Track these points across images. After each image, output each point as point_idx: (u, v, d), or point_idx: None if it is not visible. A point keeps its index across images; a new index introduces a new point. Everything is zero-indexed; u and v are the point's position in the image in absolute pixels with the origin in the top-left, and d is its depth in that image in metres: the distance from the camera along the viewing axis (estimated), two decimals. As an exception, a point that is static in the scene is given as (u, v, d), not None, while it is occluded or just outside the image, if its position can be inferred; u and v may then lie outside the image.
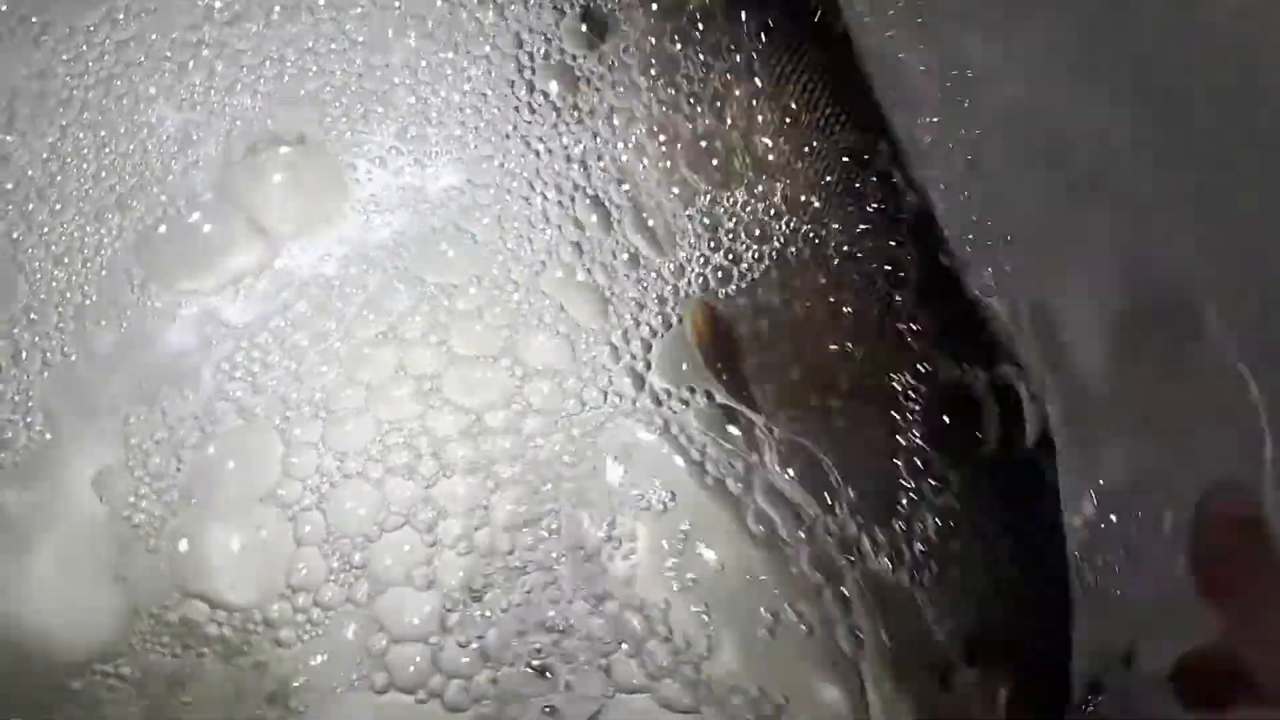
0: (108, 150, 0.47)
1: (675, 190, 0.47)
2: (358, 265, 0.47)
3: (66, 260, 0.45)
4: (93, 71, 0.47)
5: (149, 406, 0.44)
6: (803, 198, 0.46)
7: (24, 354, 0.44)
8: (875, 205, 0.45)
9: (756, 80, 0.46)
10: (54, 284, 0.45)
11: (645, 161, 0.47)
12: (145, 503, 0.42)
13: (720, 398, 0.45)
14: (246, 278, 0.46)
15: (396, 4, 0.48)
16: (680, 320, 0.46)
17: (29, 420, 0.43)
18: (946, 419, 0.43)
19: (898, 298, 0.45)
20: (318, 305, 0.46)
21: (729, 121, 0.46)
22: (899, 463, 0.43)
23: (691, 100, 0.47)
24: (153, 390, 0.44)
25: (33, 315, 0.44)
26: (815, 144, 0.46)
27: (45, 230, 0.46)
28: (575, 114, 0.48)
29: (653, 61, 0.47)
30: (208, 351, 0.45)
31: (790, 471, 0.44)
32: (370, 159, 0.48)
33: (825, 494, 0.44)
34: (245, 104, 0.48)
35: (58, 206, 0.46)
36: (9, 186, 0.46)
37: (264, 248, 0.46)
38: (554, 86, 0.48)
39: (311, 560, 0.43)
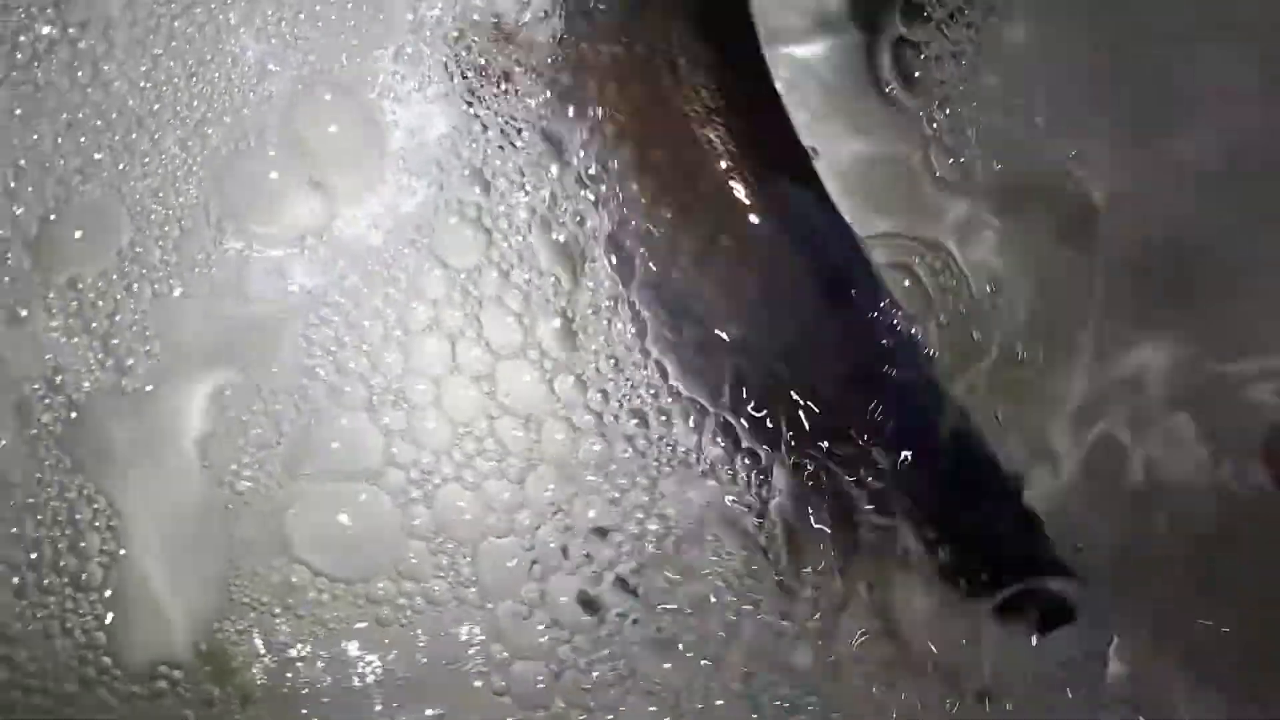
0: (195, 79, 0.49)
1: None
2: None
3: (161, 194, 0.48)
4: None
5: (241, 373, 0.47)
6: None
7: (134, 286, 0.47)
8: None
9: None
10: (152, 217, 0.48)
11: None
12: (249, 471, 0.46)
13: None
14: (309, 236, 0.48)
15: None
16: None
17: (148, 349, 0.47)
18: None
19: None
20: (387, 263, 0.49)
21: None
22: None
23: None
24: (240, 351, 0.47)
25: (138, 249, 0.47)
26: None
27: (146, 160, 0.49)
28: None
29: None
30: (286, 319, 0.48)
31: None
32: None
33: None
34: (316, 39, 0.49)
35: (157, 135, 0.49)
36: (113, 116, 0.48)
37: (322, 201, 0.49)
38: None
39: (418, 549, 0.46)
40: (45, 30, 0.48)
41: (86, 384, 0.46)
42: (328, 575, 0.46)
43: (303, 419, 0.47)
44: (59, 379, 0.45)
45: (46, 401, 0.45)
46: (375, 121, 0.50)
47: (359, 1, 0.50)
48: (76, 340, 0.46)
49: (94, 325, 0.46)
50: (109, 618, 0.44)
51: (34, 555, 0.43)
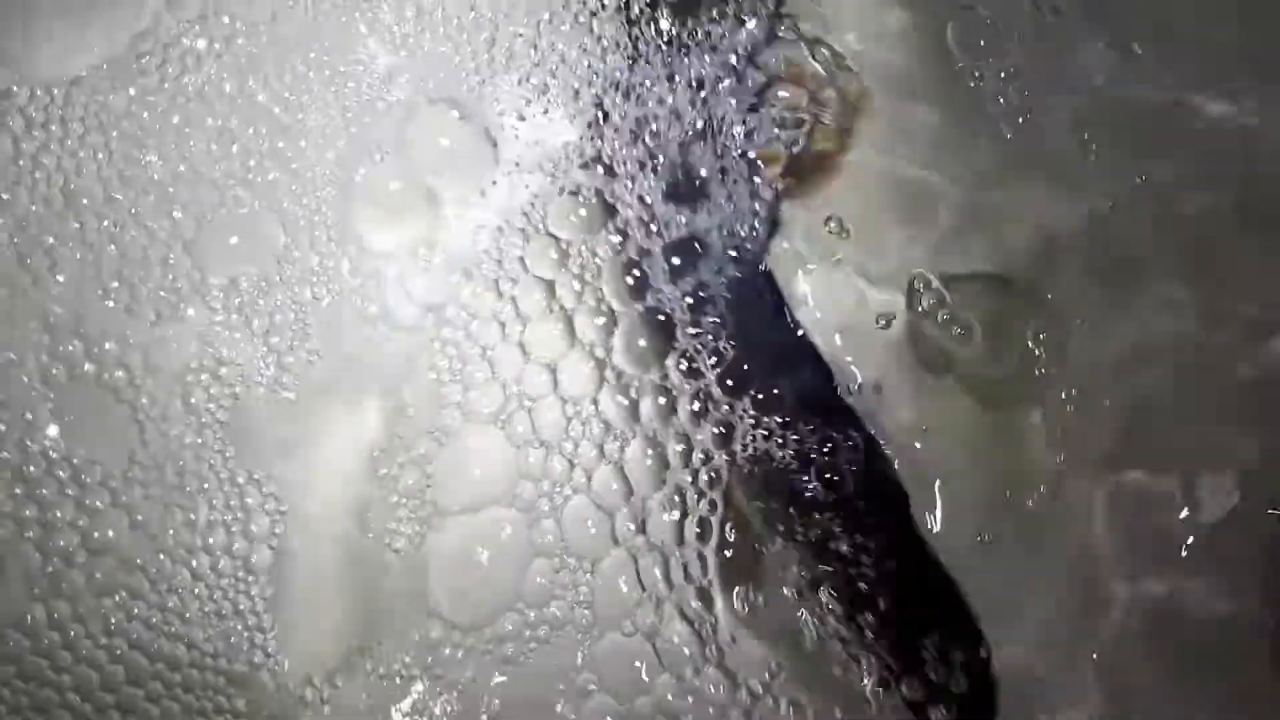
0: (333, 91, 0.50)
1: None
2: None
3: (304, 200, 0.49)
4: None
5: (386, 430, 0.48)
6: None
7: (295, 288, 0.49)
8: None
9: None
10: (300, 223, 0.49)
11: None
12: (404, 526, 0.47)
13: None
14: (421, 248, 0.50)
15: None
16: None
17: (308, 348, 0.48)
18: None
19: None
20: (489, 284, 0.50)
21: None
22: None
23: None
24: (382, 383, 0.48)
25: (295, 253, 0.49)
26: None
27: (293, 165, 0.50)
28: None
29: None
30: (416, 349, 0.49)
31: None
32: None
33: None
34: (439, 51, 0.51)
35: (301, 144, 0.51)
36: (263, 130, 0.50)
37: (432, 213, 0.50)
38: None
39: (544, 571, 0.47)
40: (199, 45, 0.51)
41: (249, 377, 0.47)
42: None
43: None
44: (222, 371, 0.47)
45: (212, 392, 0.47)
46: (492, 139, 0.51)
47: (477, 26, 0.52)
48: (238, 335, 0.47)
49: (255, 323, 0.48)
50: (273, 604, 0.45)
51: (210, 540, 0.45)
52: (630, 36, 0.51)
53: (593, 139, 0.51)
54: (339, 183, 0.50)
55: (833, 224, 0.51)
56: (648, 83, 0.51)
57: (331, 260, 0.49)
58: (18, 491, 0.44)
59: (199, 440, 0.46)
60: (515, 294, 0.50)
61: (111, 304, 0.47)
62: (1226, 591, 0.49)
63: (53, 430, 0.45)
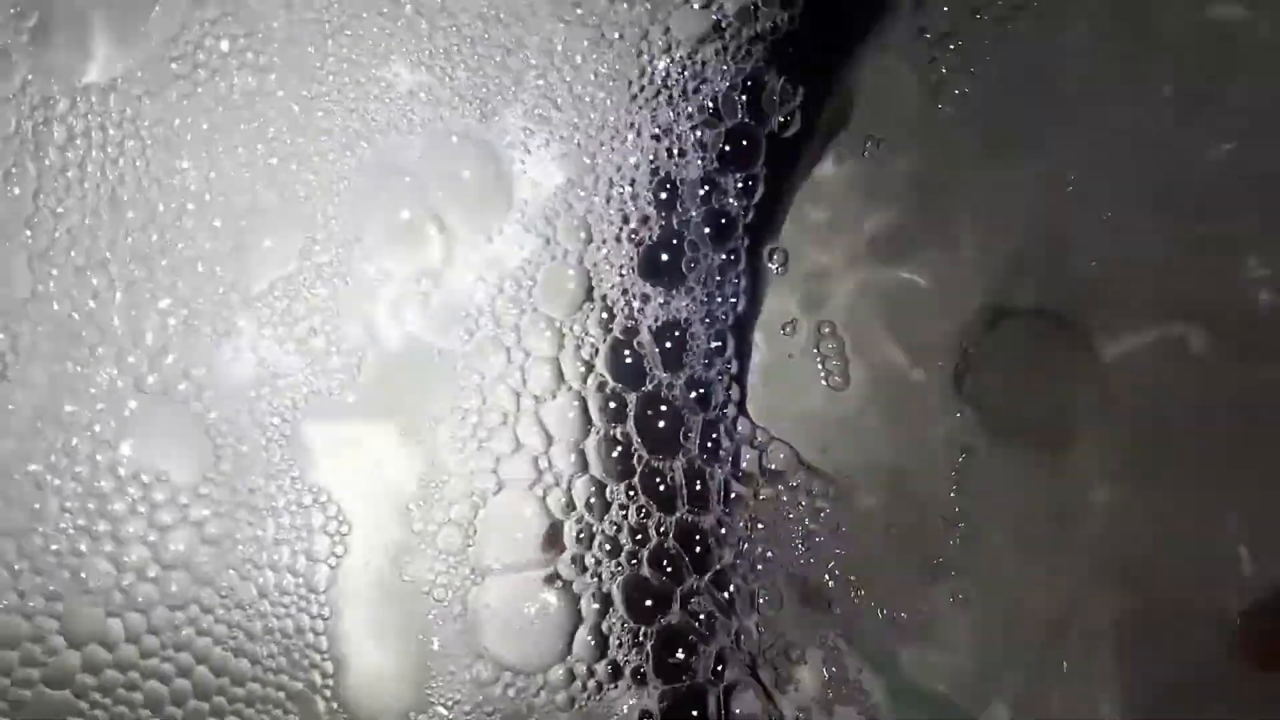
0: (355, 113, 0.49)
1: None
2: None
3: (327, 209, 0.49)
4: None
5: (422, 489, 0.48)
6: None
7: (321, 291, 0.49)
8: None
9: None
10: (318, 232, 0.49)
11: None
12: (442, 579, 0.48)
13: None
14: (425, 279, 0.49)
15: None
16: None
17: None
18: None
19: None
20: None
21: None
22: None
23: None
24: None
25: (319, 256, 0.49)
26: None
27: (313, 171, 0.49)
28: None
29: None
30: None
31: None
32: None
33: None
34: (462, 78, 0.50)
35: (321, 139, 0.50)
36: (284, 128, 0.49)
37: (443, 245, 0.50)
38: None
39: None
40: (223, 45, 0.50)
41: (302, 388, 0.48)
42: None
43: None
44: (279, 383, 0.48)
45: (270, 405, 0.48)
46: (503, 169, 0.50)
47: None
48: (286, 346, 0.48)
49: (296, 329, 0.48)
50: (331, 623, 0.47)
51: (275, 556, 0.46)
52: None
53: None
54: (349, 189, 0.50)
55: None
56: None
57: (357, 265, 0.49)
58: (90, 507, 0.46)
59: (265, 456, 0.47)
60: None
61: (171, 320, 0.48)
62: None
63: (123, 446, 0.47)
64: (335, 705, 0.47)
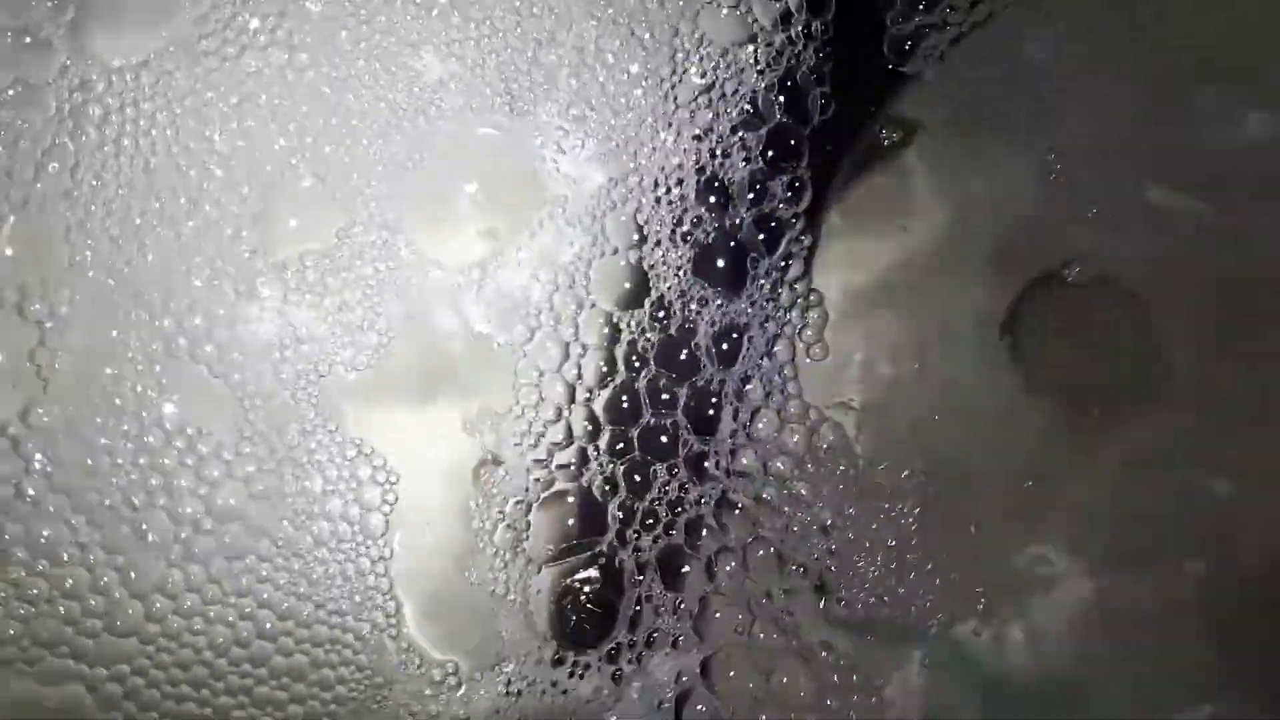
0: (383, 104, 0.51)
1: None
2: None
3: (369, 187, 0.51)
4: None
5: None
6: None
7: (356, 264, 0.52)
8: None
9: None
10: (359, 210, 0.51)
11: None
12: (499, 575, 0.51)
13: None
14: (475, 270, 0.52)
15: None
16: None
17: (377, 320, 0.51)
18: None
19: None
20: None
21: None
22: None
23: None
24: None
25: (356, 230, 0.51)
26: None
27: (347, 149, 0.51)
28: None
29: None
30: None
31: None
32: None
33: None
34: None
35: (353, 121, 0.52)
36: (314, 104, 0.51)
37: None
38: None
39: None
40: (253, 22, 0.51)
41: (329, 353, 0.51)
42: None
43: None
44: (305, 347, 0.50)
45: (299, 369, 0.50)
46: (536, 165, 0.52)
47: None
48: (312, 313, 0.50)
49: (325, 300, 0.51)
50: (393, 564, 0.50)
51: (327, 507, 0.49)
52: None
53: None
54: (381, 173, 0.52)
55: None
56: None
57: (389, 240, 0.51)
58: (142, 462, 0.48)
59: (300, 413, 0.49)
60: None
61: (197, 282, 0.50)
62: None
63: (165, 405, 0.49)
64: (405, 645, 0.50)
